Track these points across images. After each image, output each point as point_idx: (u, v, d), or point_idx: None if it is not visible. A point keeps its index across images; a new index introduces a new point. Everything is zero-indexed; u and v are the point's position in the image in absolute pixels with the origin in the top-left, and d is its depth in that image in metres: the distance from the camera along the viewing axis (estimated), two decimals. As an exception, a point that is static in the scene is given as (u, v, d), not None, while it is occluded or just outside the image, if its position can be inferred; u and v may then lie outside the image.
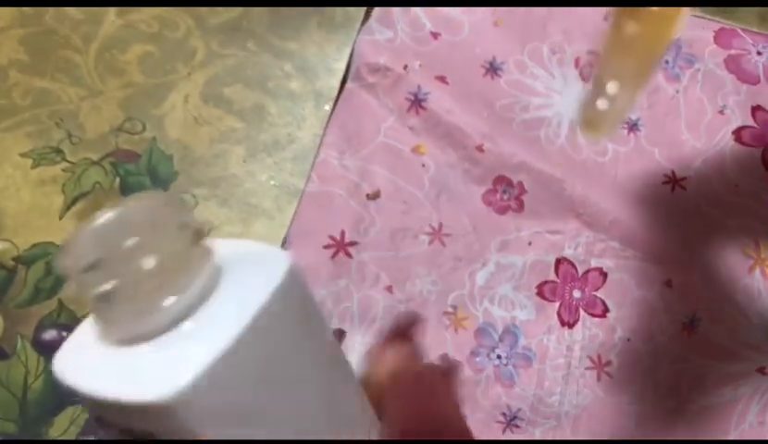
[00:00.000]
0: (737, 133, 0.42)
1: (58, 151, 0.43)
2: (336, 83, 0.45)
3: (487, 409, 0.37)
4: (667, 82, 0.44)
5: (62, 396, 0.35)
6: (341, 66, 0.45)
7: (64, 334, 0.37)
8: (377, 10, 0.46)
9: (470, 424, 0.20)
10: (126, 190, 0.42)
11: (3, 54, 0.45)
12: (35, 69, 0.45)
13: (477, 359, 0.38)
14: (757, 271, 0.39)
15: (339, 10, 0.48)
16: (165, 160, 0.43)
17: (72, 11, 0.47)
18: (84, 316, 0.38)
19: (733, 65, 0.44)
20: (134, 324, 0.14)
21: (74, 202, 0.41)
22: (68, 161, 0.42)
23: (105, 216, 0.14)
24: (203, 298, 0.14)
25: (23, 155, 0.42)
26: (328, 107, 0.45)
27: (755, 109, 0.43)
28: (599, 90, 0.20)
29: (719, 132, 0.43)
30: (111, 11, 0.47)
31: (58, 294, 0.38)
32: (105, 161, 0.42)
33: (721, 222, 0.41)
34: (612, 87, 0.20)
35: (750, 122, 0.43)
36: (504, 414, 0.37)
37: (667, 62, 0.44)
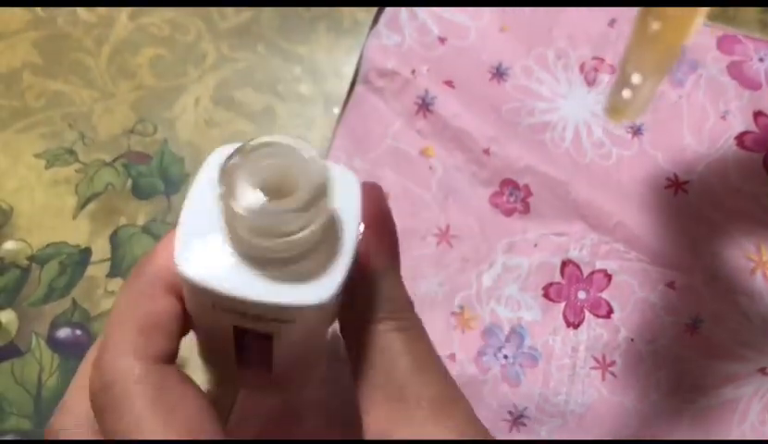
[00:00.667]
0: (739, 138, 0.43)
1: (71, 152, 0.43)
2: (345, 87, 0.46)
3: (493, 407, 0.38)
4: (670, 88, 0.44)
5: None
6: (350, 70, 0.46)
7: (78, 332, 0.38)
8: (384, 16, 0.46)
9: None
10: (138, 190, 0.42)
11: (16, 56, 0.46)
12: (48, 72, 0.46)
13: (484, 358, 0.39)
14: (758, 274, 0.40)
15: (347, 16, 0.49)
16: (176, 162, 0.43)
17: (85, 15, 0.48)
18: (97, 316, 0.38)
19: (735, 71, 0.45)
20: (270, 252, 0.18)
21: (87, 202, 0.42)
22: (80, 162, 0.43)
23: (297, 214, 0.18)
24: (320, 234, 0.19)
25: (37, 156, 0.43)
26: (336, 110, 0.45)
27: (757, 115, 0.44)
28: (624, 80, 0.23)
29: (721, 137, 0.43)
30: (123, 15, 0.48)
31: (72, 293, 0.39)
32: (118, 162, 0.43)
33: (723, 226, 0.41)
34: (635, 78, 0.23)
35: (752, 127, 0.43)
36: (511, 413, 0.38)
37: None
